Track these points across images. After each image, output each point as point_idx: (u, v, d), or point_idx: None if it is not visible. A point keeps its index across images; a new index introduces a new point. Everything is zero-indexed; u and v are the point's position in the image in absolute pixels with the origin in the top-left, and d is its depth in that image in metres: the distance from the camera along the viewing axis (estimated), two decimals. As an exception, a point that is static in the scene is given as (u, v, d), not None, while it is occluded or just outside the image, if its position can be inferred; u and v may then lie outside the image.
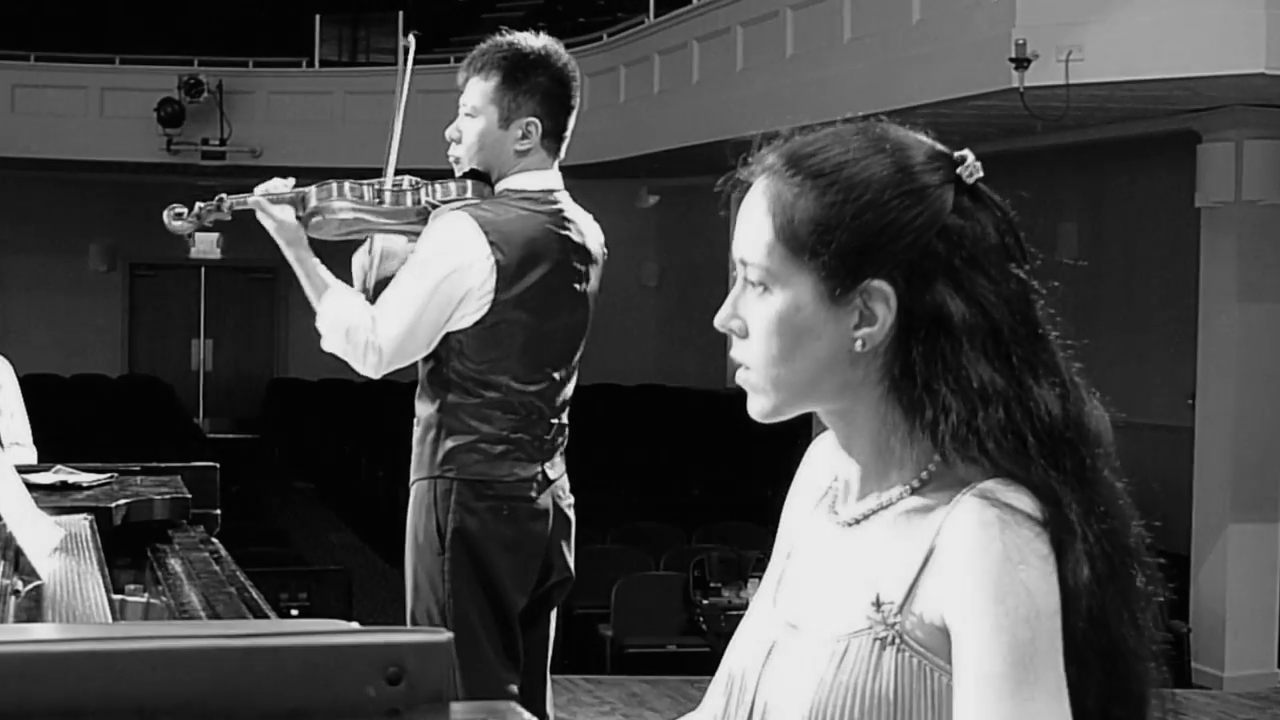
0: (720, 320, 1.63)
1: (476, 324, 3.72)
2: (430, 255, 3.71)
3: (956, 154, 1.60)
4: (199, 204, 3.79)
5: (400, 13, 17.76)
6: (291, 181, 3.85)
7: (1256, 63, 8.20)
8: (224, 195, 3.77)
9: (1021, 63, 8.73)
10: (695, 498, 12.91)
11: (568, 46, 4.03)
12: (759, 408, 1.63)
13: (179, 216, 3.76)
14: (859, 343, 1.56)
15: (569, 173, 3.94)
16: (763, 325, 1.59)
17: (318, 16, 18.11)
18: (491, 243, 3.70)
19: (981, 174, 1.59)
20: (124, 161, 17.55)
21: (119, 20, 18.75)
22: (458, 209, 3.74)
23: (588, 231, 3.92)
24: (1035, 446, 1.52)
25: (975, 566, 1.48)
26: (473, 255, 3.69)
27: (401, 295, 3.70)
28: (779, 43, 12.08)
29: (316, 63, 18.11)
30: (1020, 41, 8.74)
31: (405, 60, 4.21)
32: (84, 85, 17.39)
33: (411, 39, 4.24)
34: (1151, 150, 11.30)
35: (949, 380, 1.53)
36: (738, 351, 1.63)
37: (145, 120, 17.00)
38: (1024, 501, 1.50)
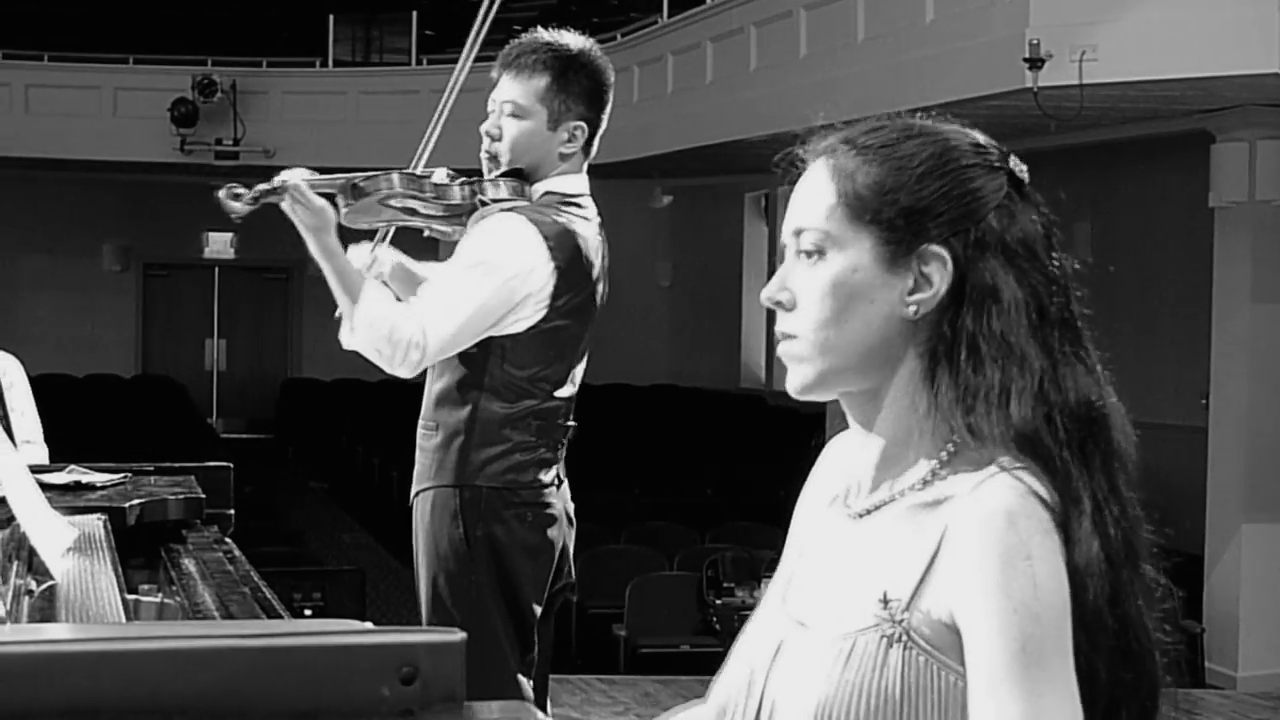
0: (768, 293, 1.64)
1: (529, 329, 3.63)
2: (490, 255, 3.59)
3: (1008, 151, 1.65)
4: (259, 185, 3.55)
5: (414, 12, 17.80)
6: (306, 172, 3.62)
7: (1270, 63, 8.19)
8: (286, 178, 3.53)
9: (1035, 63, 8.71)
10: (708, 498, 12.88)
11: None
12: (799, 379, 1.63)
13: (237, 197, 3.55)
14: (912, 308, 1.58)
15: (580, 173, 3.89)
16: (816, 289, 1.60)
17: (331, 16, 18.14)
18: (550, 248, 3.62)
19: (1027, 174, 1.64)
20: (137, 161, 17.60)
21: (132, 20, 18.78)
22: (508, 210, 3.65)
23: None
24: (1061, 425, 1.55)
25: (983, 561, 1.49)
26: (535, 259, 3.60)
27: (459, 293, 3.57)
28: (792, 43, 12.07)
29: (330, 62, 18.15)
30: (1034, 41, 8.72)
31: (470, 51, 4.10)
32: (97, 85, 17.43)
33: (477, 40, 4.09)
34: (1165, 150, 11.27)
35: (992, 350, 1.55)
36: (783, 323, 1.63)
37: (159, 120, 17.04)
38: (1038, 488, 1.51)
